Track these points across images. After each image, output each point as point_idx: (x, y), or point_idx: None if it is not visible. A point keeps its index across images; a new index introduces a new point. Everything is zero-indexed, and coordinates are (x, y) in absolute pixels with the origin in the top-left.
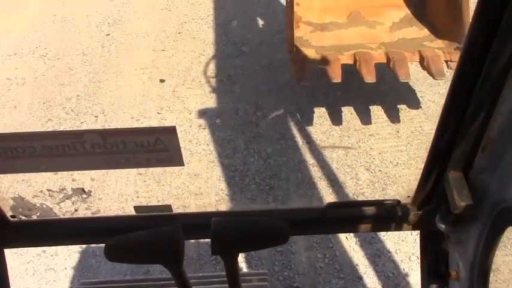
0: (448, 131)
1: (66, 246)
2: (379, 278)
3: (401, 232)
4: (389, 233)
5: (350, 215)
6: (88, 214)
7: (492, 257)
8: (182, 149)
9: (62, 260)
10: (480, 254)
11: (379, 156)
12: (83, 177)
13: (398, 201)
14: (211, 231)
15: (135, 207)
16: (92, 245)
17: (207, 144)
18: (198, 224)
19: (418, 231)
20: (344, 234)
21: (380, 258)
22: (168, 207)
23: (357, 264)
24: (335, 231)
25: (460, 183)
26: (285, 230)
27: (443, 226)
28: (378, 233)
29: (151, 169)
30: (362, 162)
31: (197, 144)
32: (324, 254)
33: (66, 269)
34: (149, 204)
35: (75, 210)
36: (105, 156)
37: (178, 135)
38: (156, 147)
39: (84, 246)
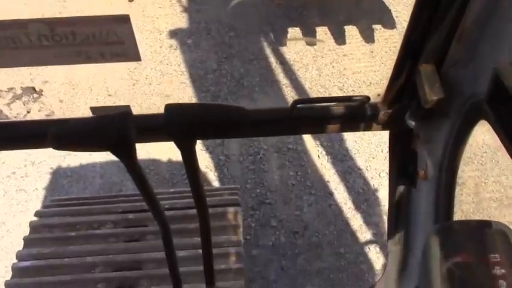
0: (422, 22)
1: (36, 168)
2: (349, 193)
3: (372, 149)
4: (360, 150)
5: (317, 114)
6: (43, 116)
7: (461, 154)
8: (153, 70)
9: (32, 181)
10: (449, 152)
11: (353, 76)
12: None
13: (368, 98)
14: (164, 116)
15: (91, 108)
16: (63, 166)
17: (179, 65)
18: (153, 124)
19: (388, 133)
20: (316, 152)
21: (351, 175)
22: (127, 108)
23: (328, 181)
24: (302, 131)
25: (432, 76)
26: (244, 115)
27: (413, 123)
28: (349, 150)
29: (121, 90)
30: (335, 82)
31: (168, 65)
32: (296, 172)
33: (37, 189)
34: (106, 105)
35: (28, 112)
36: (54, 50)
37: (149, 56)
38: (109, 39)
39: (54, 167)
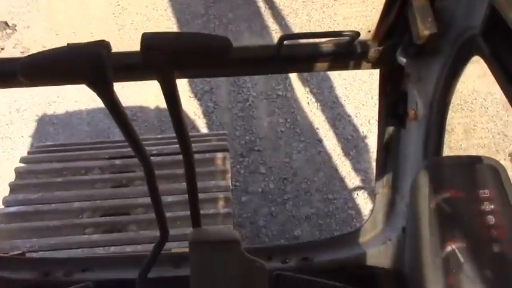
0: None
1: (21, 115)
2: (338, 140)
3: (362, 96)
4: (350, 97)
5: (305, 52)
6: (17, 54)
7: (452, 92)
8: (139, 15)
9: (17, 129)
10: (440, 90)
11: (344, 21)
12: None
13: (358, 33)
14: (141, 43)
15: (68, 45)
16: (49, 113)
17: (165, 10)
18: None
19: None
20: (305, 99)
21: (340, 122)
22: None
23: (317, 128)
24: (289, 70)
25: (424, 10)
26: (226, 44)
27: (404, 60)
28: (339, 97)
29: (106, 35)
30: (326, 28)
31: (154, 9)
32: (286, 119)
33: (23, 137)
34: (84, 42)
35: (1, 49)
36: None
37: (135, 0)
38: None
39: (40, 114)
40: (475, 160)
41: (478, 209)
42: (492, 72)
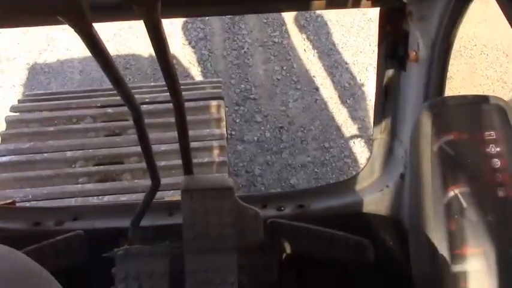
0: None
1: (12, 63)
2: (335, 88)
3: (359, 43)
4: (348, 44)
5: None
6: None
7: (456, 32)
8: None
9: (9, 78)
10: (444, 29)
11: None
12: None
13: None
14: None
15: None
16: (40, 62)
17: None
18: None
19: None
20: (302, 46)
21: (337, 69)
22: None
23: (314, 76)
24: (283, 8)
25: None
26: None
27: None
28: (336, 44)
29: None
30: None
31: None
32: (282, 67)
33: (14, 86)
34: None
35: None
36: None
37: None
38: None
39: (31, 63)
40: (481, 100)
41: (483, 151)
42: (500, 5)
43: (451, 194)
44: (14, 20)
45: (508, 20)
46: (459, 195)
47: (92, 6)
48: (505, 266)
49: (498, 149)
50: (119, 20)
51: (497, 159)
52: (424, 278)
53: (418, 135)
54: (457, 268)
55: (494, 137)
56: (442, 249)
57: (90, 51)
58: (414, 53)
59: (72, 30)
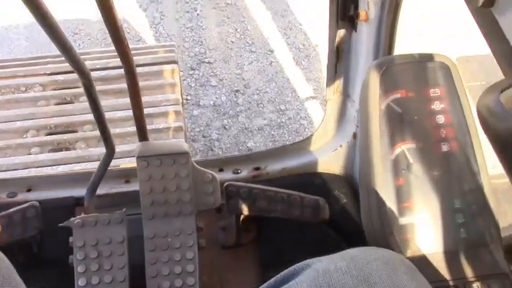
0: None
1: None
2: (290, 50)
3: (313, 4)
4: (301, 5)
5: None
6: None
7: None
8: None
9: None
10: None
11: None
12: None
13: None
14: None
15: None
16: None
17: None
18: None
19: None
20: (256, 8)
21: (292, 31)
22: None
23: (268, 38)
24: None
25: None
26: None
27: None
28: (289, 5)
29: None
30: None
31: None
32: (236, 29)
33: None
34: None
35: None
36: None
37: None
38: None
39: None
40: (427, 58)
41: (428, 108)
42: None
43: (398, 150)
44: None
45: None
46: (406, 151)
47: None
48: (448, 216)
49: (442, 106)
50: None
51: (441, 115)
52: (374, 231)
53: (367, 94)
54: (404, 221)
55: (438, 94)
56: (390, 203)
57: (33, 15)
58: (364, 13)
59: None
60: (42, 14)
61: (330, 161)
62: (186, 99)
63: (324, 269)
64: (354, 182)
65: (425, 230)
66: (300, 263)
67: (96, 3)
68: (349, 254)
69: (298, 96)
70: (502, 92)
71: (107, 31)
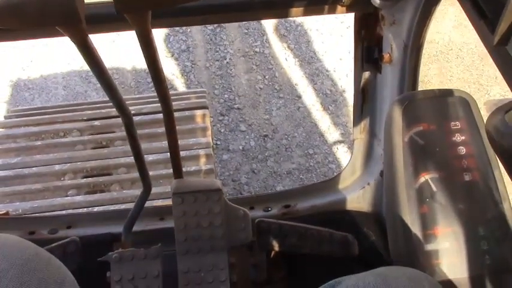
0: None
1: None
2: (317, 95)
3: (339, 50)
4: (328, 52)
5: None
6: None
7: (425, 33)
8: None
9: None
10: (414, 32)
11: None
12: None
13: None
14: None
15: None
16: (23, 78)
17: None
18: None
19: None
20: (283, 55)
21: (318, 77)
22: None
23: (296, 84)
24: (262, 16)
25: None
26: None
27: (378, 2)
28: (316, 52)
29: None
30: None
31: None
32: (264, 76)
33: None
34: None
35: None
36: None
37: None
38: None
39: (14, 79)
40: (447, 93)
41: (449, 140)
42: (467, 14)
43: (422, 180)
44: (11, 33)
45: (472, 23)
46: (429, 181)
47: (86, 17)
48: (472, 243)
49: (463, 137)
50: (111, 31)
51: (462, 147)
52: (401, 256)
53: (391, 127)
54: (429, 247)
55: (459, 126)
56: (416, 230)
57: (86, 61)
58: (388, 55)
59: (56, 45)
60: (94, 58)
61: (358, 198)
62: (216, 144)
63: (353, 285)
64: (383, 220)
65: (450, 256)
66: (331, 281)
67: (141, 49)
68: (378, 271)
69: (326, 141)
70: (506, 113)
71: (140, 79)
